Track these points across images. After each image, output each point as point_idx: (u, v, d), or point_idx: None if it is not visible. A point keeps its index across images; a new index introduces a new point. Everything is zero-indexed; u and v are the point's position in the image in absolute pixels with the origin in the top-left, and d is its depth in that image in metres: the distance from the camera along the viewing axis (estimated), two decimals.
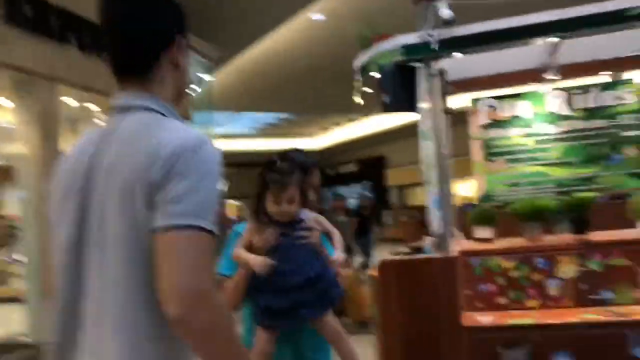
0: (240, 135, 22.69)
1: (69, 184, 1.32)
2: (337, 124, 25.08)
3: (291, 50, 12.92)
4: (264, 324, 1.99)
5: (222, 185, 1.30)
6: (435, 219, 3.37)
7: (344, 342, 1.98)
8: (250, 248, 2.02)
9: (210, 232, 1.20)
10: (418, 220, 14.53)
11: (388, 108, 3.55)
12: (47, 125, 5.49)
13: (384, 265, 3.55)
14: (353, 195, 21.22)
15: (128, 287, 1.21)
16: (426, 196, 3.46)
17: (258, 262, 1.94)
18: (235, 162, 25.70)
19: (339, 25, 11.03)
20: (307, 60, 13.77)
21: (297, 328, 2.07)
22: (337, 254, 2.07)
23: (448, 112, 3.70)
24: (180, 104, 1.45)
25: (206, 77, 11.21)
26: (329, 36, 12.05)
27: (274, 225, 2.01)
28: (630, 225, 3.97)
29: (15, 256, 6.19)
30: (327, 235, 2.14)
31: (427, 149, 3.40)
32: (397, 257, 3.67)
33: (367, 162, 25.20)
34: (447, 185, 3.45)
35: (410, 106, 3.45)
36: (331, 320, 1.99)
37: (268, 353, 1.97)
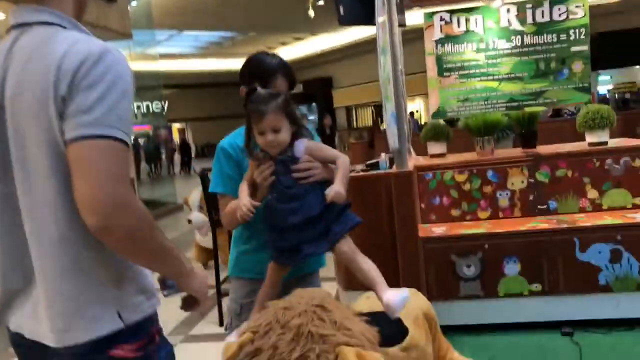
0: (181, 55, 21.83)
1: None
2: (283, 43, 24.52)
3: None
4: (272, 257, 1.94)
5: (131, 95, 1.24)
6: (392, 135, 3.39)
7: (360, 263, 1.85)
8: (255, 184, 1.93)
9: (123, 142, 1.20)
10: (366, 141, 14.66)
11: (343, 20, 3.46)
12: None
13: None
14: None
15: (56, 203, 1.22)
16: (383, 113, 3.46)
17: (240, 205, 1.84)
18: (177, 84, 24.98)
19: None
20: None
21: (303, 264, 2.03)
22: (335, 188, 1.79)
23: (402, 25, 3.65)
24: (82, 16, 1.40)
25: None
26: None
27: (268, 159, 1.88)
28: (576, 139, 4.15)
29: None
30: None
31: (384, 64, 3.36)
32: (355, 173, 3.70)
33: (313, 83, 24.93)
34: (402, 100, 3.45)
35: (366, 18, 3.38)
36: (344, 246, 1.86)
37: (275, 282, 1.95)
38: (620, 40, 15.53)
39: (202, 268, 5.78)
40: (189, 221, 5.45)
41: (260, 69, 2.10)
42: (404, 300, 1.76)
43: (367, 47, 17.95)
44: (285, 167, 1.85)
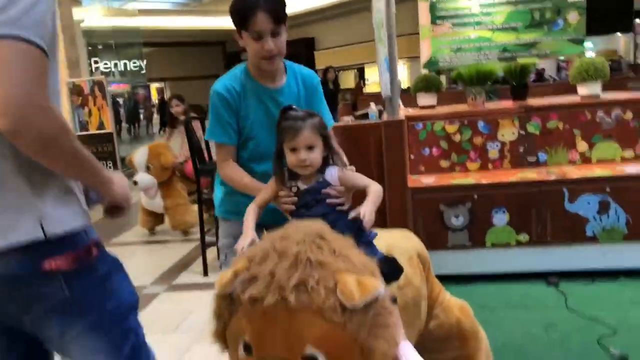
0: (159, 11, 21.21)
1: None
2: None
3: None
4: None
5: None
6: (385, 81, 3.31)
7: None
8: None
9: (39, 46, 1.15)
10: (350, 103, 14.52)
11: None
12: None
13: (335, 130, 3.51)
14: None
15: None
16: (377, 58, 3.37)
17: (241, 242, 1.68)
18: (155, 42, 24.33)
19: None
20: None
21: None
22: (365, 209, 1.67)
23: None
24: None
25: None
26: None
27: (295, 185, 1.79)
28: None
29: None
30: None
31: (378, 9, 3.26)
32: (344, 123, 3.63)
33: (295, 44, 24.51)
34: (394, 46, 3.35)
35: None
36: None
37: None
38: (607, 7, 15.56)
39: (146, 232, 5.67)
40: (135, 183, 5.10)
41: (240, 6, 1.96)
42: None
43: (352, 7, 17.69)
44: (317, 194, 1.76)
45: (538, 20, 3.97)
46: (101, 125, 8.02)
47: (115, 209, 1.52)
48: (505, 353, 2.67)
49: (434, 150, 3.83)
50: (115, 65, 16.24)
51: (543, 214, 3.51)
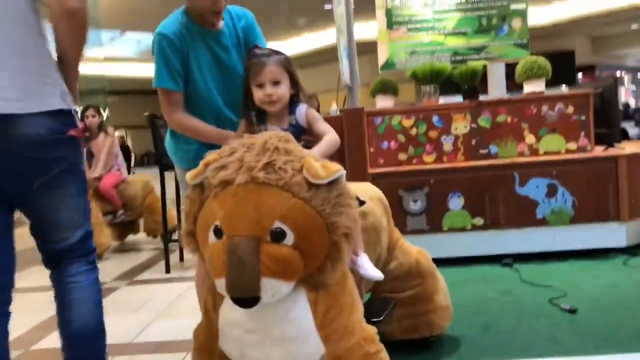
0: (125, 59, 21.32)
1: None
2: None
3: None
4: None
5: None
6: (344, 70, 3.49)
7: None
8: None
9: None
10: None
11: None
12: None
13: None
14: None
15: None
16: (338, 48, 3.56)
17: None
18: (120, 90, 24.34)
19: None
20: None
21: None
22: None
23: None
24: None
25: None
26: None
27: (264, 128, 1.83)
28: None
29: None
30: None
31: (339, 1, 3.48)
32: None
33: None
34: (352, 35, 3.55)
35: None
36: None
37: None
38: (552, 61, 16.57)
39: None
40: None
41: None
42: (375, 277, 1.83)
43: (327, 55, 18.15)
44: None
45: (485, 26, 4.27)
46: None
47: None
48: (464, 311, 2.76)
49: (392, 143, 4.00)
50: (76, 111, 16.17)
51: (496, 198, 3.69)
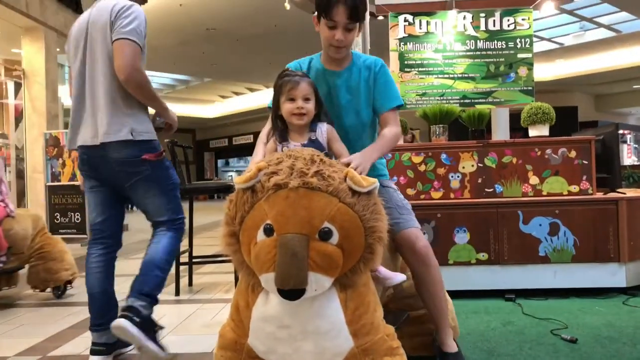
0: None
1: (77, 36, 2.69)
2: (236, 93, 25.03)
3: (194, 9, 12.59)
4: None
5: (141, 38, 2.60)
6: None
7: None
8: None
9: (137, 44, 2.54)
10: None
11: None
12: None
13: None
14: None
15: (107, 71, 2.58)
16: None
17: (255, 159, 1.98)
18: None
19: None
20: (209, 21, 13.57)
21: None
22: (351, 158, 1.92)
23: (372, 14, 4.04)
24: None
25: None
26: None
27: (286, 145, 2.01)
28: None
29: None
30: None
31: (356, 42, 3.70)
32: None
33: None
34: None
35: None
36: None
37: None
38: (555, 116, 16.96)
39: None
40: None
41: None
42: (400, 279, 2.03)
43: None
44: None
45: (493, 73, 4.50)
46: (73, 177, 8.14)
47: (167, 128, 2.84)
48: (469, 339, 2.86)
49: (401, 178, 4.16)
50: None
51: (500, 234, 3.82)
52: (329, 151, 2.04)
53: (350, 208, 1.55)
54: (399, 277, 2.00)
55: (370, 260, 1.60)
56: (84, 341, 3.12)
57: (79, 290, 4.66)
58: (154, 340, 2.47)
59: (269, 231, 1.51)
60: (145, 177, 2.59)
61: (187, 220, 4.11)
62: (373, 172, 2.25)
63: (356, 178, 1.58)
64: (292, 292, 1.44)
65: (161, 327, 2.61)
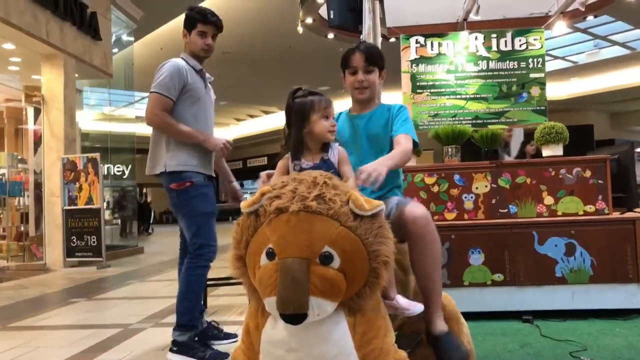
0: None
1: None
2: (251, 115, 25.25)
3: None
4: None
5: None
6: None
7: None
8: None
9: (161, 94, 3.01)
10: None
11: (332, 23, 3.87)
12: None
13: None
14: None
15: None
16: None
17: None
18: (143, 149, 25.09)
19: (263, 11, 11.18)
20: (225, 45, 13.76)
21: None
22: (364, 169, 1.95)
23: (384, 36, 4.08)
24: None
25: (128, 39, 11.02)
26: (250, 21, 12.10)
27: (299, 164, 2.06)
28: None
29: None
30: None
31: None
32: None
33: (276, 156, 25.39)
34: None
35: (353, 24, 3.79)
36: None
37: None
38: (570, 134, 16.84)
39: None
40: None
41: (345, 52, 2.53)
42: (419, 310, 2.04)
43: None
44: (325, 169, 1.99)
45: (505, 93, 4.51)
46: (90, 201, 8.23)
47: (220, 153, 3.24)
48: None
49: (414, 199, 4.15)
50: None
51: (515, 255, 3.79)
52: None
53: (352, 232, 1.53)
54: (417, 308, 1.98)
55: (376, 285, 1.58)
56: None
57: (94, 314, 4.69)
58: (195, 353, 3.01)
59: (271, 255, 1.51)
60: (175, 203, 3.11)
61: None
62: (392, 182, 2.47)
63: (358, 201, 1.56)
64: (293, 316, 1.43)
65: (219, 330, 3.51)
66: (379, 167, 1.96)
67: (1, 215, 9.84)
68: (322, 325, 1.54)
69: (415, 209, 2.23)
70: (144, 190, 29.93)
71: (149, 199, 29.26)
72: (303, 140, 2.08)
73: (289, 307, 1.42)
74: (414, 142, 2.44)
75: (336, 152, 2.12)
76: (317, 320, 1.49)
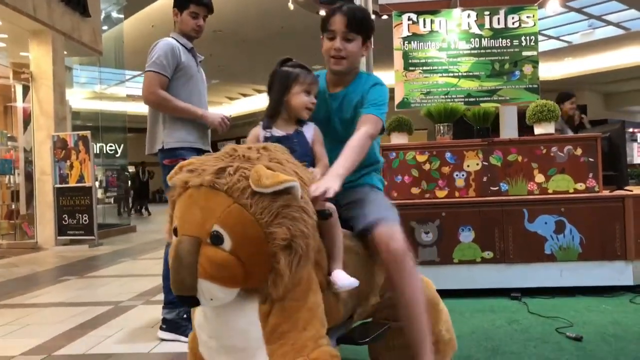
0: (139, 96, 21.82)
1: None
2: (244, 94, 25.09)
3: None
4: None
5: None
6: None
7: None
8: None
9: (155, 72, 2.98)
10: None
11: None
12: None
13: None
14: None
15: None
16: None
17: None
18: (135, 127, 24.91)
19: None
20: (216, 23, 13.56)
21: None
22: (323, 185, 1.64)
23: (376, 13, 4.03)
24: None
25: (118, 16, 10.87)
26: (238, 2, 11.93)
27: (269, 132, 1.95)
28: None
29: None
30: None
31: None
32: None
33: None
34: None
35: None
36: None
37: None
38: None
39: None
40: None
41: (327, 12, 2.17)
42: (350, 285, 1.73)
43: None
44: (289, 142, 1.89)
45: (498, 71, 4.48)
46: (81, 179, 8.18)
47: (218, 127, 3.14)
48: (473, 337, 2.85)
49: (406, 177, 4.15)
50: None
51: (506, 233, 3.80)
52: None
53: (246, 209, 1.36)
54: (346, 282, 1.69)
55: (278, 272, 1.38)
56: (90, 340, 3.14)
57: (85, 291, 4.69)
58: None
59: (175, 233, 1.41)
60: (165, 179, 3.07)
61: None
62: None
63: (256, 175, 1.37)
64: (185, 298, 1.33)
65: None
66: (330, 182, 1.68)
67: None
68: (228, 313, 1.43)
69: (391, 237, 1.88)
70: (147, 169, 29.79)
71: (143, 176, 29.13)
72: (280, 109, 1.98)
73: (176, 289, 1.33)
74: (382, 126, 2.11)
75: (312, 130, 2.01)
76: (226, 307, 1.39)
